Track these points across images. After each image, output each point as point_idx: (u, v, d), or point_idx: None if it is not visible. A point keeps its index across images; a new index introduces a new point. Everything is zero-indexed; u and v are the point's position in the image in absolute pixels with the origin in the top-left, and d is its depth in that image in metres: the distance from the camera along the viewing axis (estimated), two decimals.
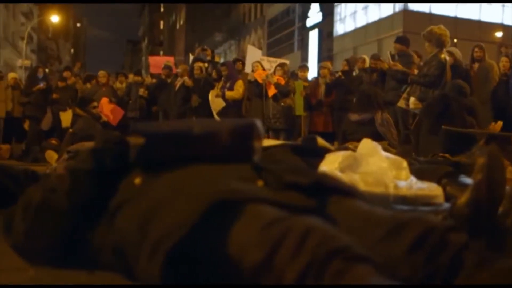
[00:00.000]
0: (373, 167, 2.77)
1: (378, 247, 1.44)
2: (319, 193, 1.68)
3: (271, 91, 10.77)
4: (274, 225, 1.36)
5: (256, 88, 11.14)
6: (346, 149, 3.46)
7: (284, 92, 10.84)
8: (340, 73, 10.74)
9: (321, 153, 2.99)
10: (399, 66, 9.19)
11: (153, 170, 1.80)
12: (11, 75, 14.52)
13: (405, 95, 8.80)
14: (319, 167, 2.68)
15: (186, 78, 11.71)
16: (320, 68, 11.89)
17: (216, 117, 10.91)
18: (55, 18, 50.59)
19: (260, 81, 10.91)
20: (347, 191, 1.73)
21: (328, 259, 1.23)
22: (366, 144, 2.98)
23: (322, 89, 11.20)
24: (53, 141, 10.77)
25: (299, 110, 11.18)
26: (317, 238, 1.28)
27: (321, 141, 3.29)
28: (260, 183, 1.68)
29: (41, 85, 12.39)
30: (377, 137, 7.27)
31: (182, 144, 1.82)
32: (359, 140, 7.52)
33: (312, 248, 1.26)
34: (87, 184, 1.90)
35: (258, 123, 1.90)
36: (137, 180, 1.81)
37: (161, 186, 1.70)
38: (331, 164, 2.72)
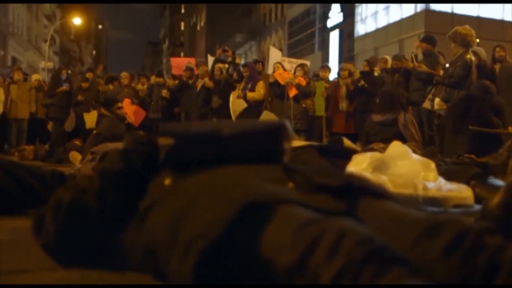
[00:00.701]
0: (402, 169, 2.75)
1: (412, 249, 1.43)
2: (349, 195, 1.67)
3: (292, 92, 10.76)
4: (307, 227, 1.35)
5: (277, 89, 11.13)
6: (372, 150, 3.44)
7: (305, 93, 10.83)
8: (362, 82, 10.61)
9: (347, 154, 2.98)
10: (424, 67, 9.11)
11: (182, 171, 1.81)
12: (35, 77, 14.69)
13: (430, 96, 8.73)
14: (346, 168, 2.67)
15: (206, 79, 11.75)
16: (340, 69, 11.81)
17: (233, 118, 10.93)
18: (77, 21, 51.10)
19: (282, 82, 10.89)
20: (378, 193, 1.71)
21: (365, 262, 1.21)
22: (396, 147, 2.97)
23: (343, 90, 11.13)
24: (77, 142, 10.87)
25: (320, 111, 11.16)
26: (352, 240, 1.26)
27: (347, 142, 3.28)
28: (290, 184, 1.67)
29: (64, 86, 12.50)
30: (400, 138, 7.23)
31: (211, 145, 1.82)
32: (382, 141, 7.52)
33: (347, 250, 1.25)
34: (117, 185, 1.91)
35: (288, 124, 1.89)
36: (167, 181, 1.82)
37: (191, 187, 1.69)
38: (358, 165, 2.71)
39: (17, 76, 13.49)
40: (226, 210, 1.48)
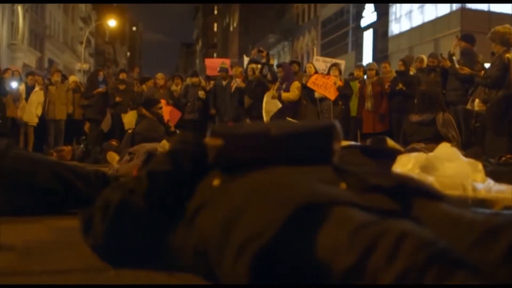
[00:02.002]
0: (449, 170, 2.70)
1: (470, 252, 1.40)
2: (402, 196, 1.64)
3: (333, 95, 10.67)
4: (364, 229, 1.33)
5: (310, 91, 11.10)
6: (415, 150, 3.39)
7: (346, 94, 10.82)
8: (400, 86, 10.44)
9: (391, 155, 2.94)
10: (466, 70, 8.98)
11: (231, 172, 1.80)
12: (72, 78, 14.92)
13: (471, 97, 8.62)
14: (391, 169, 2.64)
15: (238, 80, 11.75)
16: (367, 69, 11.73)
17: (266, 119, 10.90)
18: (112, 23, 51.75)
19: (317, 89, 10.79)
20: (431, 194, 1.68)
21: (427, 264, 1.19)
22: (445, 148, 2.92)
23: (369, 89, 11.06)
24: (113, 142, 10.98)
25: (354, 111, 11.10)
26: (413, 242, 1.24)
27: (390, 142, 3.24)
28: (343, 185, 1.65)
29: (101, 88, 12.65)
30: (438, 138, 7.13)
31: (261, 146, 1.81)
32: (420, 141, 7.41)
33: (409, 253, 1.22)
34: (165, 185, 1.92)
35: (338, 124, 1.87)
36: (216, 182, 1.81)
37: (241, 188, 1.69)
38: (404, 166, 2.68)
39: (56, 77, 13.71)
40: (280, 211, 1.46)
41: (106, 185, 3.30)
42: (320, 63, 12.42)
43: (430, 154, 2.95)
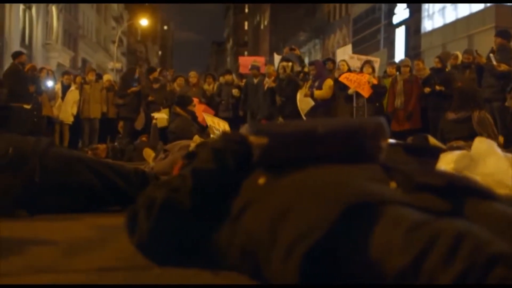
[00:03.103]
0: (491, 168, 2.65)
1: None
2: (452, 195, 1.61)
3: (367, 92, 10.55)
4: (419, 229, 1.31)
5: (345, 88, 11.00)
6: (459, 148, 3.33)
7: (382, 92, 10.70)
8: (438, 87, 10.20)
9: (433, 153, 2.89)
10: (504, 67, 8.81)
11: (276, 170, 1.78)
12: (106, 77, 15.05)
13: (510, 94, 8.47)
14: (435, 167, 2.59)
15: (267, 79, 11.72)
16: (401, 65, 11.31)
17: (303, 117, 10.85)
18: (144, 22, 52.20)
19: (351, 86, 10.67)
20: (483, 193, 1.64)
21: (489, 266, 1.16)
22: (481, 143, 2.86)
23: (399, 86, 10.73)
24: (143, 138, 11.06)
25: (386, 108, 10.95)
26: (471, 243, 1.21)
27: (432, 140, 3.19)
28: (392, 184, 1.62)
29: (135, 87, 12.74)
30: (474, 136, 7.02)
31: (307, 144, 1.79)
32: (456, 139, 7.29)
33: (468, 253, 1.20)
34: (209, 184, 1.91)
35: (385, 122, 1.84)
36: (261, 180, 1.80)
37: (289, 186, 1.67)
38: (448, 164, 2.63)
39: (90, 76, 13.86)
40: (331, 210, 1.45)
41: (145, 183, 3.31)
42: (355, 60, 12.30)
43: (471, 151, 2.89)
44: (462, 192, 1.63)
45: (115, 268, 2.00)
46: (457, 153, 2.73)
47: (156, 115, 11.54)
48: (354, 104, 10.88)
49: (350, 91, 10.86)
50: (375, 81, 10.74)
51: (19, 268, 1.97)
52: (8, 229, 2.82)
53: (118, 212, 3.31)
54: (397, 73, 11.27)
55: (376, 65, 12.14)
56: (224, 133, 2.12)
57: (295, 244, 1.45)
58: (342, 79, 10.84)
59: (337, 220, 1.42)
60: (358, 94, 10.74)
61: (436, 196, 1.57)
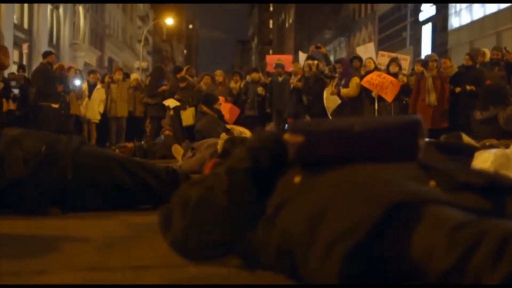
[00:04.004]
0: None
1: None
2: (494, 194, 1.58)
3: (390, 96, 10.41)
4: (463, 229, 1.29)
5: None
6: (493, 147, 3.29)
7: (409, 90, 10.59)
8: (468, 87, 9.99)
9: (467, 151, 2.85)
10: None
11: (312, 169, 1.77)
12: (134, 76, 15.18)
13: None
14: (471, 166, 2.55)
15: (293, 76, 11.69)
16: (428, 61, 10.85)
17: (330, 115, 10.80)
18: (169, 21, 52.47)
19: (373, 89, 10.54)
20: None
21: None
22: None
23: (429, 83, 10.35)
24: (167, 131, 11.10)
25: (412, 106, 10.83)
26: None
27: (466, 138, 3.15)
28: (432, 183, 1.60)
29: (164, 84, 12.78)
30: (504, 135, 6.93)
31: (344, 142, 1.77)
32: (485, 138, 7.21)
33: None
34: (244, 182, 1.90)
35: (422, 120, 1.81)
36: (297, 179, 1.79)
37: (326, 185, 1.65)
38: (483, 163, 2.59)
39: (118, 76, 13.98)
40: (372, 209, 1.43)
41: (176, 182, 3.33)
42: (385, 58, 12.19)
43: (508, 150, 2.85)
44: (504, 191, 1.60)
45: (151, 267, 2.00)
46: (493, 151, 2.69)
47: (167, 102, 11.59)
48: (376, 107, 10.77)
49: (373, 94, 10.76)
50: (405, 79, 10.56)
51: (57, 266, 1.99)
52: (42, 227, 2.86)
53: (149, 211, 3.33)
54: (423, 69, 10.92)
55: (406, 63, 12.00)
56: (258, 132, 2.11)
57: (335, 243, 1.43)
58: (364, 83, 10.69)
59: (378, 219, 1.41)
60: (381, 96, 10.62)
61: (477, 196, 1.54)
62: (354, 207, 1.48)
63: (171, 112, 11.64)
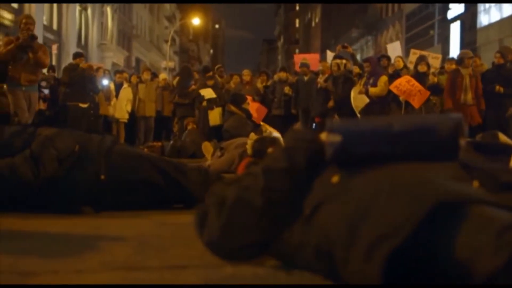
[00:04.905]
0: None
1: None
2: None
3: (418, 103, 10.21)
4: (510, 230, 1.26)
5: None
6: None
7: (439, 90, 10.44)
8: (498, 87, 9.73)
9: (504, 151, 2.80)
10: None
11: (350, 168, 1.75)
12: (162, 76, 15.28)
13: None
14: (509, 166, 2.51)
15: (321, 80, 11.63)
16: (464, 57, 10.24)
17: (358, 115, 10.72)
18: (196, 21, 52.69)
19: (401, 95, 10.35)
20: None
21: None
22: None
23: (467, 81, 9.90)
24: (190, 125, 11.12)
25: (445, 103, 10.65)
26: None
27: (502, 137, 3.09)
28: (475, 183, 1.57)
29: (192, 84, 12.81)
30: None
31: (383, 142, 1.75)
32: None
33: None
34: (281, 182, 1.89)
35: (463, 119, 1.78)
36: (335, 179, 1.77)
37: (366, 185, 1.63)
38: None
39: (146, 76, 14.06)
40: (415, 209, 1.41)
41: (207, 182, 3.33)
42: (417, 56, 12.05)
43: None
44: None
45: (188, 266, 2.00)
46: None
47: (203, 92, 11.60)
48: (403, 111, 10.62)
49: (400, 98, 10.60)
50: (427, 93, 10.32)
51: (94, 265, 1.99)
52: (76, 226, 2.88)
53: (182, 210, 3.33)
54: (459, 67, 10.50)
55: (437, 62, 11.83)
56: (295, 131, 2.09)
57: (378, 244, 1.41)
58: (392, 88, 10.47)
59: (422, 220, 1.39)
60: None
61: None
62: (397, 207, 1.46)
63: (204, 103, 11.61)
